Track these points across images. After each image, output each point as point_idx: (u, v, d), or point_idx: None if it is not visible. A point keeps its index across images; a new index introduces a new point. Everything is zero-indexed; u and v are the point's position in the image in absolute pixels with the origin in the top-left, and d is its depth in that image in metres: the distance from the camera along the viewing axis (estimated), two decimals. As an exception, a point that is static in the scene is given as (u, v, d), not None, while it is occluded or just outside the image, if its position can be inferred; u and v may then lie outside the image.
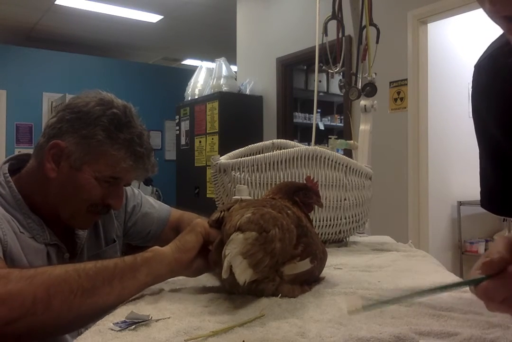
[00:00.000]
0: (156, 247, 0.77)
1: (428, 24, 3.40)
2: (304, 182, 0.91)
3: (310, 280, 0.78)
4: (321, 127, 5.11)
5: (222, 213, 0.78)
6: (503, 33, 0.51)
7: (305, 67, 5.05)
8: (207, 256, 0.78)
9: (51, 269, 0.71)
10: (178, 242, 0.77)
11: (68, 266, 0.72)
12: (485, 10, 0.47)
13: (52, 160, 0.91)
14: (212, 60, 4.86)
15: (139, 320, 0.60)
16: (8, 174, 0.93)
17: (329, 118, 5.44)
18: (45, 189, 0.93)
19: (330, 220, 1.24)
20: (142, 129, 0.96)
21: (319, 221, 1.22)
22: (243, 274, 0.62)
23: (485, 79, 0.73)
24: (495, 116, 0.71)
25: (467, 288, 0.77)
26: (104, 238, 1.09)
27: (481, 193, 0.77)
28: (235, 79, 4.72)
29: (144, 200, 1.20)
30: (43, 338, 0.77)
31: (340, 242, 1.30)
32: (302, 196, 0.86)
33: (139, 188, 1.28)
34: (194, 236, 0.78)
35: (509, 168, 0.72)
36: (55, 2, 5.21)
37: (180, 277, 0.83)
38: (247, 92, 4.65)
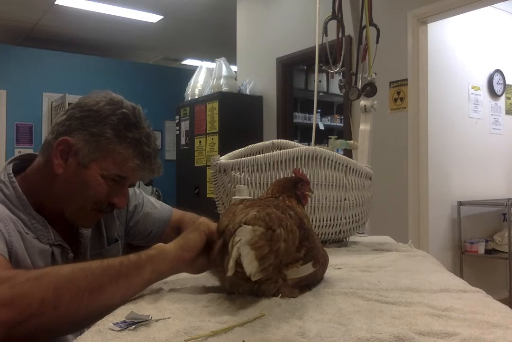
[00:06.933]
0: (160, 244, 0.78)
1: (428, 24, 3.40)
2: (293, 175, 0.92)
3: (312, 284, 0.78)
4: (321, 127, 5.11)
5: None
6: None
7: (305, 67, 5.04)
8: (209, 254, 0.78)
9: (58, 269, 0.72)
10: (181, 240, 0.79)
11: (74, 266, 0.72)
12: None
13: (60, 156, 0.92)
14: (212, 60, 4.86)
15: (139, 320, 0.60)
16: (12, 174, 0.94)
17: (329, 118, 5.43)
18: (50, 185, 0.93)
19: (330, 220, 1.24)
20: (149, 131, 0.98)
21: (319, 221, 1.22)
22: (250, 265, 0.62)
23: None
24: None
25: (467, 288, 0.77)
26: (107, 237, 1.10)
27: None
28: (235, 79, 4.72)
29: (146, 199, 1.20)
30: (51, 338, 0.78)
31: (340, 242, 1.30)
32: (300, 187, 0.87)
33: (139, 188, 1.28)
34: (197, 235, 0.79)
35: None
36: (55, 2, 5.20)
37: (180, 277, 0.84)
38: (247, 92, 4.64)
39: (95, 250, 1.06)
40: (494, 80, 4.03)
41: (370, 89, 1.69)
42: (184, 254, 0.77)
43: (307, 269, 0.74)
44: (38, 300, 0.66)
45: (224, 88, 4.49)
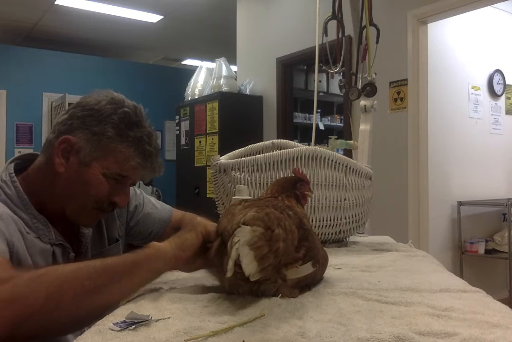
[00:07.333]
0: (154, 243, 0.79)
1: (428, 24, 3.40)
2: (293, 174, 0.92)
3: (312, 284, 0.78)
4: (321, 127, 5.11)
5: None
6: None
7: (305, 67, 5.04)
8: (206, 254, 0.79)
9: (62, 267, 0.73)
10: (178, 240, 0.80)
11: (78, 264, 0.73)
12: None
13: (62, 155, 0.92)
14: (212, 60, 4.86)
15: (139, 320, 0.60)
16: (13, 174, 0.94)
17: (329, 118, 5.43)
18: (52, 184, 0.93)
19: (330, 220, 1.24)
20: (151, 130, 0.98)
21: (319, 221, 1.22)
22: (249, 266, 0.62)
23: None
24: None
25: (467, 288, 0.77)
26: (108, 237, 1.10)
27: None
28: (235, 79, 4.72)
29: (146, 200, 1.20)
30: (53, 336, 0.78)
31: (340, 242, 1.30)
32: (300, 187, 0.87)
33: (139, 188, 1.28)
34: (194, 235, 0.80)
35: None
36: (55, 2, 5.20)
37: (180, 277, 0.84)
38: (247, 92, 4.64)
39: (95, 250, 1.06)
40: (494, 80, 4.03)
41: (370, 89, 1.69)
42: (181, 253, 0.78)
43: (307, 269, 0.74)
44: (41, 298, 0.66)
45: (224, 88, 4.48)
